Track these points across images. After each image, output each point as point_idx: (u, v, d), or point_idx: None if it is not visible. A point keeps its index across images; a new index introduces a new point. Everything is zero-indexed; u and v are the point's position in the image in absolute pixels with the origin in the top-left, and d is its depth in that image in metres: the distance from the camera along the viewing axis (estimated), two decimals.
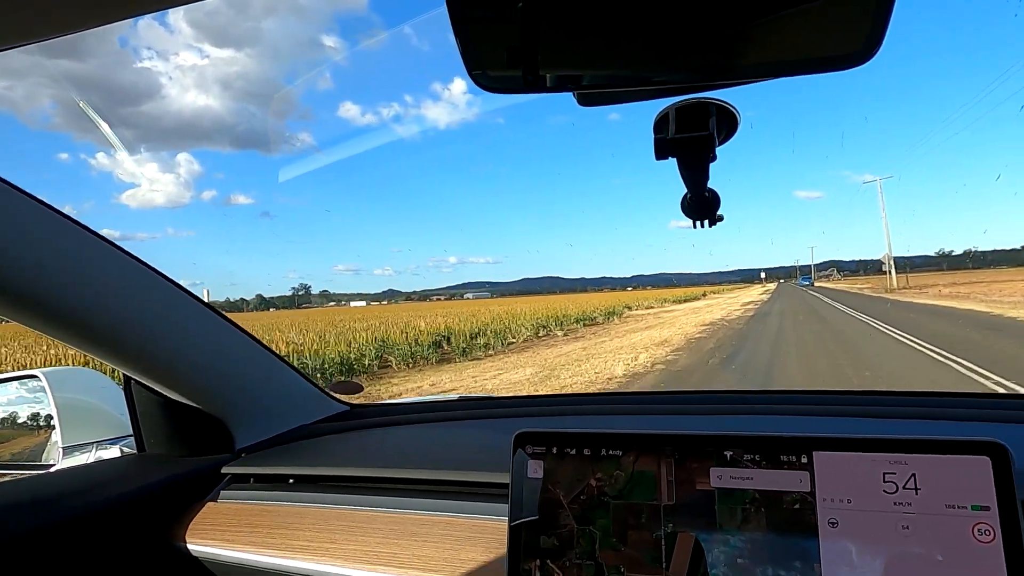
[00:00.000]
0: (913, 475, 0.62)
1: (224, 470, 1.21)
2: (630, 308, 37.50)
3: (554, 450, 0.73)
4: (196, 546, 1.07)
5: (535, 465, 0.73)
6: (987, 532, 0.59)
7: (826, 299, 31.25)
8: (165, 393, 1.16)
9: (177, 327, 1.09)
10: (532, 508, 0.72)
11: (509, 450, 0.74)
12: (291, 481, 1.17)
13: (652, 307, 40.06)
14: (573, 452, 0.72)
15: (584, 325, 25.02)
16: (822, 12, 0.47)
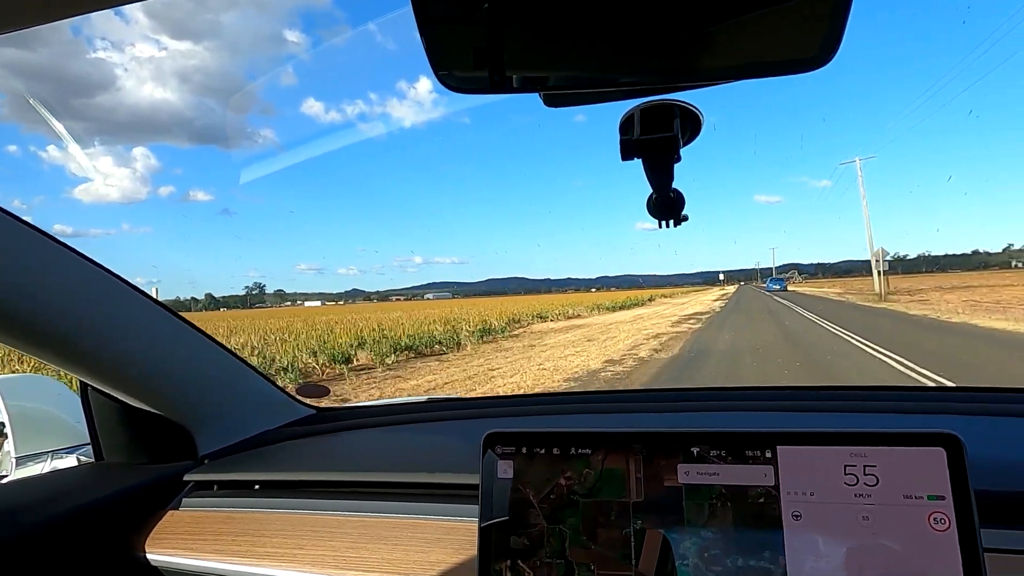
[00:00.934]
0: (872, 467, 0.64)
1: (187, 477, 1.18)
2: (543, 318, 28.69)
3: (524, 450, 0.73)
4: (157, 556, 1.04)
5: (505, 465, 0.73)
6: (942, 521, 0.62)
7: (809, 314, 20.33)
8: (124, 399, 1.13)
9: (135, 330, 1.06)
10: (502, 508, 0.72)
11: (478, 451, 0.74)
12: (256, 487, 1.15)
13: (576, 316, 30.70)
14: (543, 451, 0.72)
15: (408, 358, 15.36)
16: (782, 17, 0.48)
